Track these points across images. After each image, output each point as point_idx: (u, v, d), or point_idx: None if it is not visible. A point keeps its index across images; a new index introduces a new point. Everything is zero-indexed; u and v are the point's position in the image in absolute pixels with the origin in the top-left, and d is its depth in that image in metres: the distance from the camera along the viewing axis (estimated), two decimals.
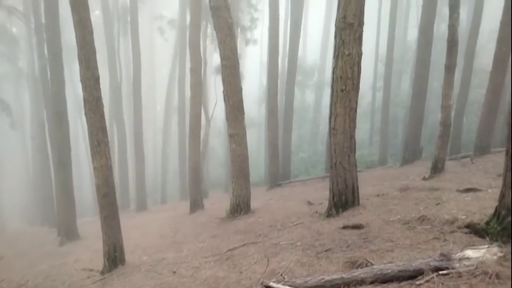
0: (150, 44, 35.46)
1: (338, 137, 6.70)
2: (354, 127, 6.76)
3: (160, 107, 37.29)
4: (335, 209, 6.87)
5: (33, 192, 29.24)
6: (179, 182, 24.22)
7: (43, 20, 13.05)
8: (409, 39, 28.94)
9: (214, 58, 26.41)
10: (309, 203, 9.42)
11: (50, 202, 18.52)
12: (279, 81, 17.57)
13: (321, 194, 11.05)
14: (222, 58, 9.11)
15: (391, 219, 5.93)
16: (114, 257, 7.10)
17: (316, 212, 7.83)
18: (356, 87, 6.59)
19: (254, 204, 10.19)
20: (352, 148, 6.73)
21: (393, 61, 20.42)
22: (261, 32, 28.46)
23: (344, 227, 6.04)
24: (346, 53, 6.46)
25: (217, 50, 21.60)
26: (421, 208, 6.34)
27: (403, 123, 22.75)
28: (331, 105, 6.80)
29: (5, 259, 12.71)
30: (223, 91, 9.25)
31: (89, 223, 16.73)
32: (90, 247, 10.68)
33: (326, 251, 5.12)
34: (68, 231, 12.86)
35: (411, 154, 13.98)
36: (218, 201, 16.23)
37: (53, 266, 9.16)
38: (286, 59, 21.22)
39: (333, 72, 6.75)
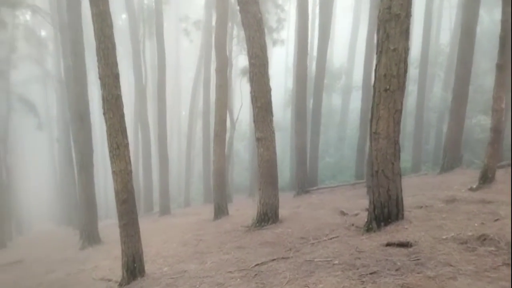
0: (176, 47, 35.44)
1: (381, 142, 5.99)
2: (399, 131, 6.05)
3: (185, 112, 37.23)
4: (376, 223, 6.15)
5: (60, 193, 29.50)
6: (203, 185, 23.86)
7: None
8: (442, 41, 27.75)
9: (239, 60, 26.03)
10: (342, 213, 8.71)
11: (74, 204, 18.46)
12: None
13: (354, 203, 10.32)
14: (250, 56, 8.51)
15: (444, 237, 5.18)
16: (133, 268, 6.59)
17: (353, 225, 7.13)
18: (402, 86, 5.87)
19: (281, 212, 9.53)
20: (396, 154, 6.01)
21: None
22: (286, 34, 27.89)
23: (388, 245, 5.32)
24: (391, 48, 5.76)
25: (243, 51, 21.12)
26: (476, 225, 5.57)
27: (436, 128, 21.64)
28: (373, 106, 6.10)
29: (24, 263, 12.50)
30: (251, 92, 8.65)
31: (113, 225, 16.40)
32: (111, 253, 10.28)
33: (371, 274, 4.42)
34: (89, 235, 12.54)
35: (450, 161, 13.00)
36: (243, 207, 15.68)
37: (71, 273, 8.77)
38: (313, 62, 20.58)
39: (376, 70, 6.05)
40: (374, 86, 6.13)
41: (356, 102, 28.84)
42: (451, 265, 4.16)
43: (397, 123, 5.96)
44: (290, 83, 30.54)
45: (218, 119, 12.11)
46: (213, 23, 17.59)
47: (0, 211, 20.30)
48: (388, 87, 5.83)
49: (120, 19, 38.61)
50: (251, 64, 8.50)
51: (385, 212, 6.09)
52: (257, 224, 8.92)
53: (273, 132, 8.74)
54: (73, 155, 15.79)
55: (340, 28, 37.20)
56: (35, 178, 47.32)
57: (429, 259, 4.46)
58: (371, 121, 6.18)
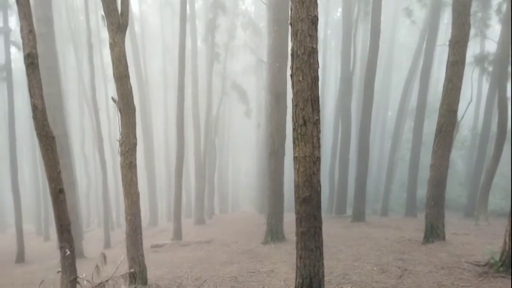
0: (390, 45, 31.86)
1: None
2: None
3: (391, 112, 33.76)
4: None
5: (258, 179, 30.57)
6: (407, 194, 20.41)
7: None
8: None
9: (471, 47, 21.07)
10: None
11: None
12: None
13: None
14: None
15: None
16: None
17: None
18: None
19: None
20: None
21: None
22: None
23: None
24: None
25: (479, 33, 16.45)
26: None
27: None
28: None
29: (212, 245, 12.19)
30: None
31: None
32: (291, 256, 8.60)
33: None
34: (272, 230, 11.25)
35: None
36: (461, 230, 12.00)
37: (244, 274, 7.48)
38: None
39: None
40: None
41: None
42: None
43: None
44: None
45: (445, 108, 8.92)
46: None
47: (202, 189, 21.86)
48: None
49: (335, 15, 37.78)
50: None
51: None
52: (502, 269, 5.74)
53: None
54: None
55: None
56: (245, 162, 52.03)
57: None
58: None
